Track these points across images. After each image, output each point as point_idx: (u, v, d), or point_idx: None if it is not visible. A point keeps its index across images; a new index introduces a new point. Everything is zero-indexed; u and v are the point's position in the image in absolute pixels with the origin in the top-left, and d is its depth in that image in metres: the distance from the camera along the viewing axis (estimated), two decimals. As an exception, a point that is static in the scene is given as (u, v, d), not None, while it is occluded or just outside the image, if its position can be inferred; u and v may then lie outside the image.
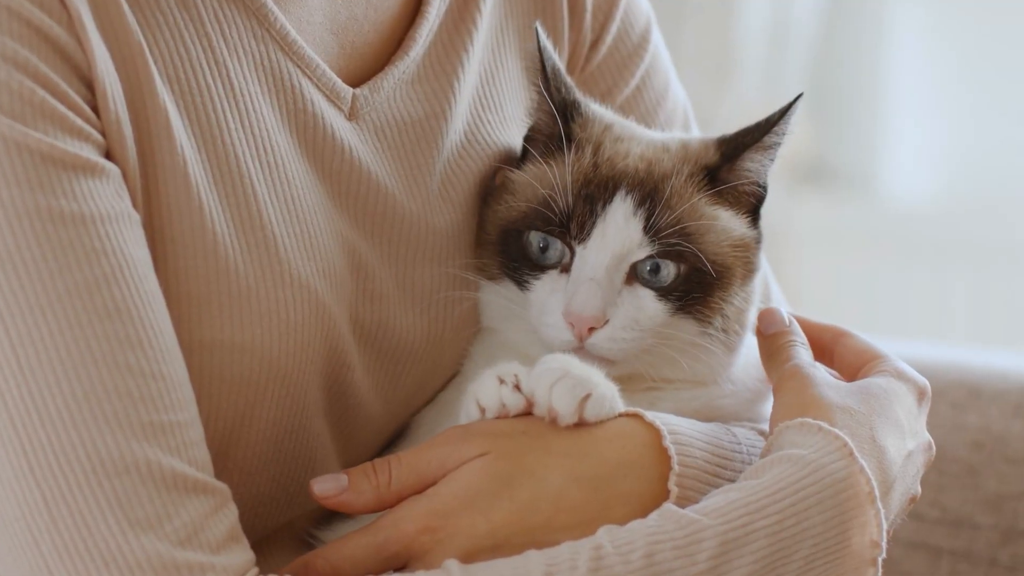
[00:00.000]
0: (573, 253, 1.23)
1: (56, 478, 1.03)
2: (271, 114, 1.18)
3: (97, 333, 1.04)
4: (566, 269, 1.24)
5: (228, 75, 1.16)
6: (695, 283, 1.23)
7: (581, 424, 1.15)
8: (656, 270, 1.23)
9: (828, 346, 1.28)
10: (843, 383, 1.23)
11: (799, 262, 3.43)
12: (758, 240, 1.28)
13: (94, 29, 1.08)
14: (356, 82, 1.24)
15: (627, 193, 1.23)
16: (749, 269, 1.27)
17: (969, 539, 1.77)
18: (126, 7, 1.11)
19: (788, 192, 3.41)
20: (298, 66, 1.19)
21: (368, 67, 1.26)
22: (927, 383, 1.25)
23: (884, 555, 1.14)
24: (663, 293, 1.23)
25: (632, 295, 1.23)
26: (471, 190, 1.29)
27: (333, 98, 1.21)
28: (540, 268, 1.24)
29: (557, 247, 1.24)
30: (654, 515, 1.11)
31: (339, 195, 1.21)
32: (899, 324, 3.41)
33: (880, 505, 1.13)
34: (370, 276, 1.23)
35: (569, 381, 1.15)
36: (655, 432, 1.16)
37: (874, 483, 1.13)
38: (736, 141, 1.27)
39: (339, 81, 1.22)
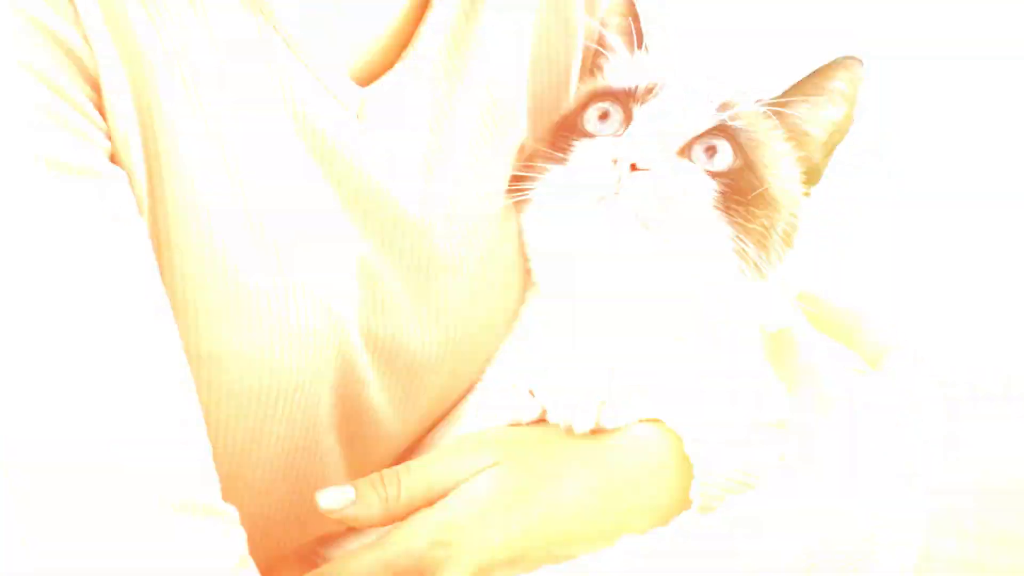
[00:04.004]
0: (631, 120, 1.25)
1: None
2: (277, 116, 1.18)
3: None
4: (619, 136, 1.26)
5: (233, 74, 1.15)
6: (745, 186, 1.23)
7: (598, 431, 1.17)
8: (712, 152, 1.24)
9: (847, 329, 1.29)
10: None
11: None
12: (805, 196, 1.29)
13: (100, 24, 1.08)
14: (363, 79, 1.24)
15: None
16: (793, 225, 1.27)
17: None
18: (132, 2, 1.10)
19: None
20: (305, 65, 1.19)
21: (376, 63, 1.26)
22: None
23: None
24: (712, 176, 1.23)
25: (681, 165, 1.23)
26: (484, 196, 1.29)
27: (340, 99, 1.21)
28: (592, 137, 1.26)
29: (618, 114, 1.26)
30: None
31: (346, 201, 1.22)
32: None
33: None
34: (380, 285, 1.24)
35: (585, 386, 1.16)
36: (676, 438, 1.17)
37: None
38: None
39: (347, 80, 1.22)
